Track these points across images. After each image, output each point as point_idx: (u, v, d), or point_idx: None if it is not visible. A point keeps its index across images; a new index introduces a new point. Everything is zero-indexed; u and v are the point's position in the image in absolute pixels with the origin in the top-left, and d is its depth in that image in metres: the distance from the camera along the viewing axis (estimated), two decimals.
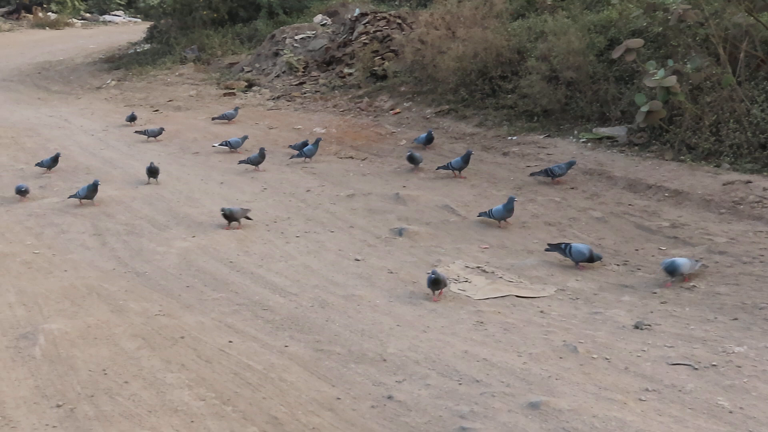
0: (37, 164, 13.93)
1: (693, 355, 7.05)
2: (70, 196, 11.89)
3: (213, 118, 17.51)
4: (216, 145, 15.17)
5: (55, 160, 13.81)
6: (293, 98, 19.53)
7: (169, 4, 28.55)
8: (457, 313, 8.26)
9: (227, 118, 17.35)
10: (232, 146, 15.01)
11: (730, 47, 12.86)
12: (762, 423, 6.00)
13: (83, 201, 11.85)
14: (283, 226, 10.94)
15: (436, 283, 8.45)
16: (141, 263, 9.74)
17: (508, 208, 10.58)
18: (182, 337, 7.74)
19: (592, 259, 9.26)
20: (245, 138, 15.24)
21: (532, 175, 12.47)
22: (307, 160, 14.03)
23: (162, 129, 16.22)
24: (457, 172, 12.84)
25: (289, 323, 8.07)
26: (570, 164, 12.27)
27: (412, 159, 13.24)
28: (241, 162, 13.85)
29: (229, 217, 10.73)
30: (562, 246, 9.42)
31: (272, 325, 8.04)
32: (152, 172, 13.01)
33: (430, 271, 8.62)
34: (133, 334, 7.79)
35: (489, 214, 10.72)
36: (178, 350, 7.48)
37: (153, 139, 16.04)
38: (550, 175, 12.18)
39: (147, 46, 28.57)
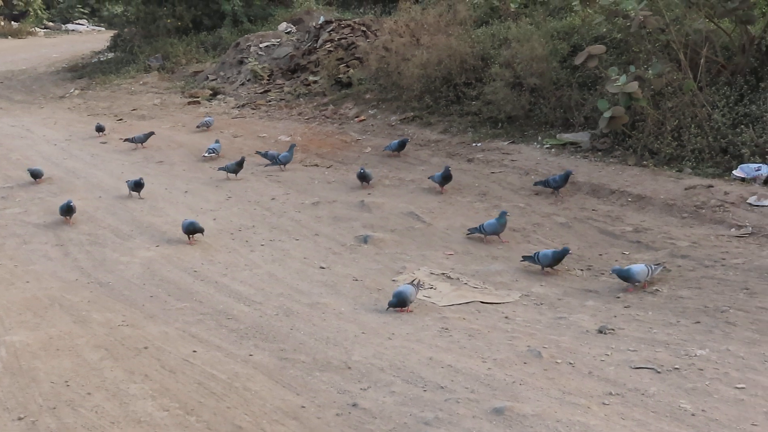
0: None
1: (656, 359, 7.09)
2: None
3: (198, 126, 17.48)
4: (206, 154, 15.12)
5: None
6: (258, 106, 19.46)
7: (133, 13, 28.37)
8: (422, 319, 8.26)
9: (206, 125, 17.30)
10: (217, 152, 15.17)
11: (690, 53, 12.98)
12: (724, 425, 6.04)
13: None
14: (248, 235, 10.90)
15: (401, 302, 8.39)
16: (104, 273, 9.67)
17: (501, 223, 10.25)
18: (146, 348, 7.68)
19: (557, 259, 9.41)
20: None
21: (535, 184, 12.18)
22: (283, 167, 13.96)
23: (151, 133, 16.17)
24: (438, 186, 12.55)
25: (254, 332, 8.04)
26: (567, 174, 11.93)
27: (363, 177, 12.80)
28: (220, 169, 13.80)
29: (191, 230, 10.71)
30: (532, 255, 9.54)
31: (237, 334, 8.00)
32: (138, 185, 12.68)
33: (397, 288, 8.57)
34: (96, 344, 7.72)
35: (480, 229, 10.32)
36: (141, 361, 7.42)
37: (140, 145, 15.97)
38: (548, 186, 11.91)
39: (111, 55, 28.34)
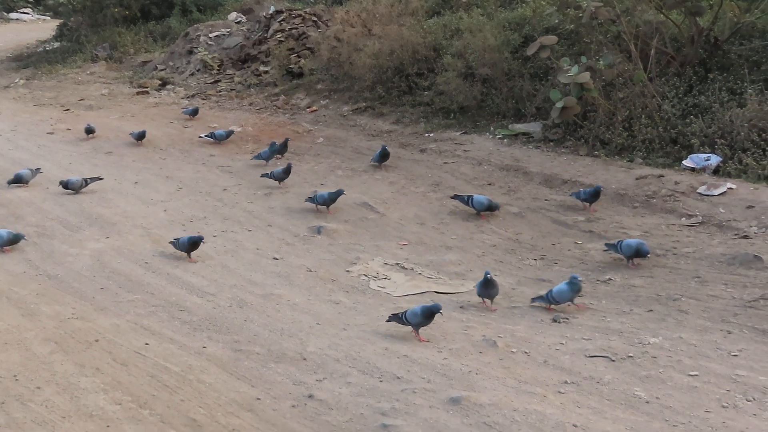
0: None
1: (610, 347, 7.13)
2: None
3: (183, 111, 17.48)
4: (202, 136, 15.18)
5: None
6: (208, 96, 19.27)
7: (79, 2, 27.86)
8: (376, 310, 8.24)
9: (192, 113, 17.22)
10: (216, 138, 15.10)
11: (641, 44, 13.08)
12: (677, 412, 6.09)
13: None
14: (200, 226, 10.77)
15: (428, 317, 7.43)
16: (53, 266, 9.50)
17: (575, 290, 8.01)
18: (97, 341, 7.55)
19: (491, 208, 10.22)
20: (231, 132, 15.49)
21: (571, 195, 11.15)
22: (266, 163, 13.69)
23: (144, 132, 15.67)
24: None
25: (207, 324, 7.96)
26: (596, 190, 10.80)
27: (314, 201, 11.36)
28: (263, 176, 12.71)
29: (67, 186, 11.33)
30: (465, 198, 10.14)
31: (190, 326, 7.91)
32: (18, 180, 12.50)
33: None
34: (46, 338, 7.57)
35: (548, 298, 8.12)
36: (92, 354, 7.30)
37: (89, 136, 15.76)
38: (578, 198, 10.94)
39: (57, 45, 27.86)
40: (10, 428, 6.13)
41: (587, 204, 10.94)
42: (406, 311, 7.57)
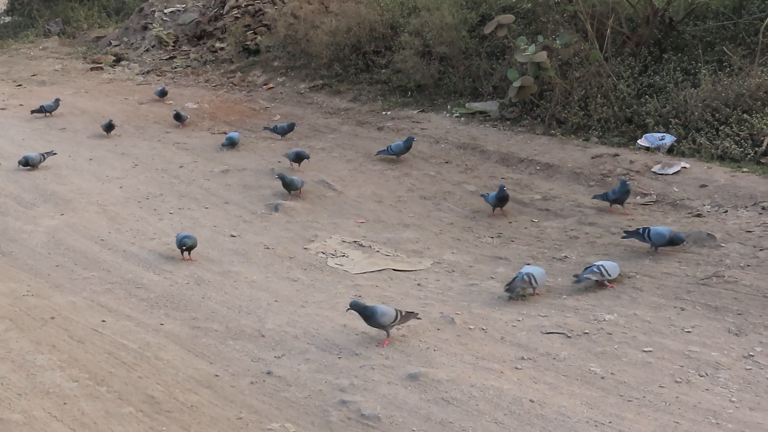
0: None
1: (566, 324, 7.22)
2: None
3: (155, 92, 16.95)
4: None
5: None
6: (164, 73, 19.09)
7: None
8: (335, 287, 8.26)
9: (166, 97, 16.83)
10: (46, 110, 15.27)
11: (597, 24, 13.15)
12: (632, 387, 6.19)
13: None
14: (156, 203, 10.71)
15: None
16: (6, 242, 9.39)
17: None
18: (52, 318, 7.50)
19: (674, 241, 8.47)
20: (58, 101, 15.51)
21: (594, 198, 10.26)
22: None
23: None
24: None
25: (165, 301, 7.93)
26: (624, 187, 9.92)
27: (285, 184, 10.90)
28: (266, 128, 13.87)
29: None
30: (640, 230, 8.70)
31: (147, 303, 7.88)
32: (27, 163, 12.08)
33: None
34: (0, 315, 7.50)
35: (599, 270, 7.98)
36: (48, 331, 7.25)
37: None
38: (606, 199, 10.04)
39: (8, 19, 27.38)
40: None
41: (618, 206, 9.98)
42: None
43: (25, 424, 5.89)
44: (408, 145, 12.13)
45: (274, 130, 13.64)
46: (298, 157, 11.90)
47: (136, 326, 7.40)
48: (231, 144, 13.08)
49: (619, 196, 9.91)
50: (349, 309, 7.15)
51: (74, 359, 6.79)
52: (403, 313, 7.11)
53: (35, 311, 7.62)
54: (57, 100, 15.46)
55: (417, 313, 7.25)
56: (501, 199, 10.08)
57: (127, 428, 5.84)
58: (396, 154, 12.18)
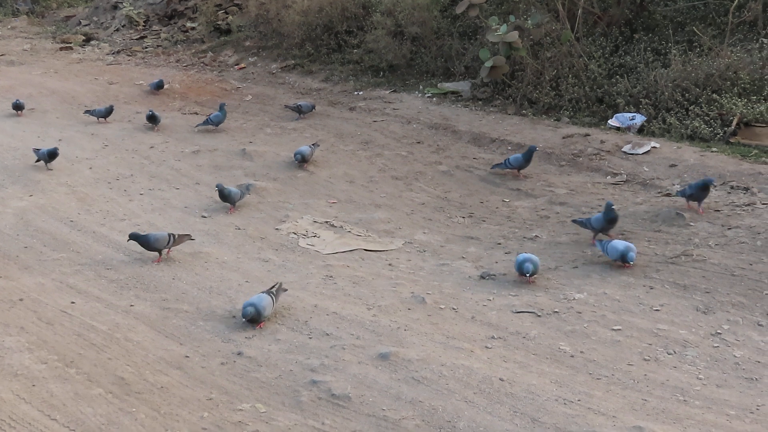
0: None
1: (536, 303, 7.26)
2: None
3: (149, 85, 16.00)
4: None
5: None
6: (134, 53, 18.93)
7: None
8: (306, 267, 8.25)
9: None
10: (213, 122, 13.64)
11: (569, 4, 13.17)
12: (601, 365, 6.24)
13: None
14: (126, 184, 10.64)
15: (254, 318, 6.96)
16: None
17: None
18: (21, 300, 7.45)
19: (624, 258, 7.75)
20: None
21: (677, 194, 9.32)
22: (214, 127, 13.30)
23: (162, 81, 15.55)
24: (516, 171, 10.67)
25: (134, 282, 7.89)
26: (704, 183, 8.95)
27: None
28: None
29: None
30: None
31: (116, 285, 7.84)
32: (51, 156, 11.09)
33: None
34: None
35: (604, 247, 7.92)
36: (16, 313, 7.20)
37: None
38: (683, 195, 9.15)
39: None
40: None
41: (695, 203, 9.04)
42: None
43: None
44: (528, 158, 10.47)
45: (297, 108, 13.52)
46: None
47: (106, 308, 7.36)
48: (302, 160, 11.10)
49: (694, 192, 8.93)
50: (129, 240, 8.27)
51: (43, 341, 6.75)
52: (176, 236, 8.31)
53: (3, 293, 7.57)
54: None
55: (190, 235, 8.48)
56: (611, 221, 8.35)
57: (97, 410, 5.82)
58: (516, 168, 10.57)
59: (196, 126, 13.05)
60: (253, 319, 6.88)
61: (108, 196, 10.24)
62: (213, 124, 12.92)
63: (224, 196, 9.69)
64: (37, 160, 11.10)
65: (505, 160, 10.64)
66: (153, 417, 5.75)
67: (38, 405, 5.88)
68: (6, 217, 9.50)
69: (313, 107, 13.62)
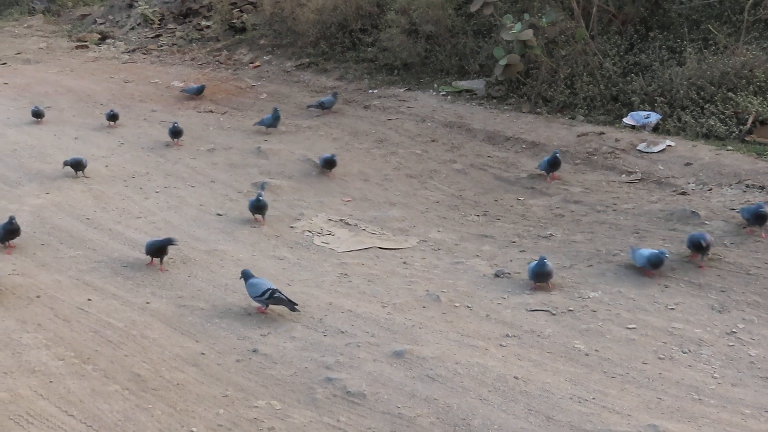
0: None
1: (551, 301, 7.26)
2: None
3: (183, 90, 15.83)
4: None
5: None
6: (149, 51, 19.00)
7: None
8: (321, 266, 8.27)
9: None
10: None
11: (583, 2, 13.15)
12: (616, 364, 6.25)
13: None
14: (142, 182, 10.68)
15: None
16: None
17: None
18: (38, 296, 7.50)
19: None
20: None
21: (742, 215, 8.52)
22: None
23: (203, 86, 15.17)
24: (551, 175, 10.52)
25: (150, 279, 7.93)
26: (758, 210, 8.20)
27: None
28: (256, 124, 13.00)
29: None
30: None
31: (133, 282, 7.88)
32: (76, 165, 10.79)
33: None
34: None
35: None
36: (34, 310, 7.25)
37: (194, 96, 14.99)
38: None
39: None
40: None
41: (756, 228, 8.32)
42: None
43: (11, 402, 5.90)
44: (552, 162, 10.36)
45: (320, 105, 13.58)
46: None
47: (122, 305, 7.41)
48: (328, 165, 10.89)
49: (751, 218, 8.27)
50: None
51: (60, 338, 6.79)
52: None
53: (21, 290, 7.61)
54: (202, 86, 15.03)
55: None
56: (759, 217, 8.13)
57: (113, 406, 5.86)
58: (543, 169, 10.52)
59: (254, 124, 13.07)
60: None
61: (124, 194, 10.28)
62: (264, 125, 12.84)
63: (260, 207, 9.36)
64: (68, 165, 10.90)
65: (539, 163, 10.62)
66: (169, 413, 5.79)
67: (55, 401, 5.93)
68: (23, 214, 9.55)
69: (334, 98, 13.67)
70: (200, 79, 16.19)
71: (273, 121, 12.74)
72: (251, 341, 6.74)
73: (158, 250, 8.18)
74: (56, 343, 6.71)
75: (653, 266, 7.58)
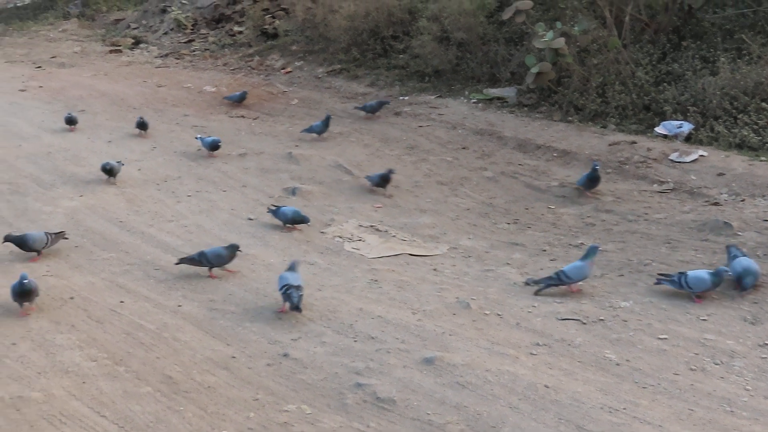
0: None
1: (581, 311, 7.24)
2: None
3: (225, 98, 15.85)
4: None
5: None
6: (182, 56, 19.14)
7: None
8: (351, 271, 8.29)
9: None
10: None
11: (615, 10, 13.10)
12: (647, 374, 6.21)
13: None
14: (174, 186, 10.76)
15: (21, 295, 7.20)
16: (26, 223, 9.46)
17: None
18: (72, 298, 7.58)
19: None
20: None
21: None
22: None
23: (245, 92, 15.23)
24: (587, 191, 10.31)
25: (182, 283, 7.99)
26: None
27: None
28: (304, 131, 12.90)
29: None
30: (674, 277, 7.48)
31: (165, 285, 7.94)
32: (108, 171, 10.82)
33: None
34: None
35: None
36: (67, 311, 7.33)
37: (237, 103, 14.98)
38: None
39: (28, 1, 27.54)
40: None
41: None
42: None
43: (44, 402, 5.97)
44: (591, 177, 10.20)
45: (363, 108, 13.68)
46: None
47: (154, 307, 7.47)
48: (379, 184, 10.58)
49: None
50: (5, 242, 8.40)
51: (93, 339, 6.86)
52: (53, 236, 8.61)
53: (55, 291, 7.70)
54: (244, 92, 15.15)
55: (64, 233, 8.84)
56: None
57: (145, 407, 5.91)
58: (585, 188, 10.27)
59: (301, 131, 13.02)
60: None
61: (156, 197, 10.37)
62: (315, 132, 12.80)
63: (299, 220, 9.37)
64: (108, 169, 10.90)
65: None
66: (200, 416, 5.83)
67: (88, 402, 5.99)
68: (57, 217, 9.66)
69: (378, 105, 13.74)
70: (232, 84, 16.31)
71: (323, 128, 12.74)
72: (282, 345, 6.77)
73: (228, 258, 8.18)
74: (89, 344, 6.78)
75: (715, 286, 7.34)
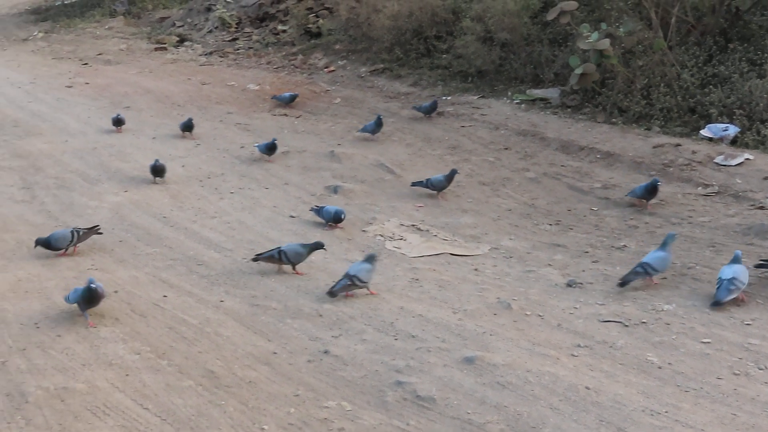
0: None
1: (623, 313, 7.19)
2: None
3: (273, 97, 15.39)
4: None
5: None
6: (226, 54, 19.27)
7: None
8: (392, 270, 8.31)
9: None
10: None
11: (661, 12, 13.00)
12: (689, 378, 6.16)
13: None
14: (217, 182, 10.85)
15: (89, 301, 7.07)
16: (72, 217, 9.60)
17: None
18: (116, 292, 7.67)
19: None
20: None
21: None
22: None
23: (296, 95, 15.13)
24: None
25: (225, 278, 8.05)
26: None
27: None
28: (360, 131, 12.95)
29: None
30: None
31: (207, 281, 8.01)
32: (157, 171, 10.84)
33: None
34: (65, 287, 7.67)
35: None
36: (111, 304, 7.40)
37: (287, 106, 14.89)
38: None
39: None
40: (32, 374, 6.26)
41: None
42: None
43: (88, 393, 6.04)
44: (648, 188, 9.79)
45: (419, 109, 13.70)
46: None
47: (197, 302, 7.53)
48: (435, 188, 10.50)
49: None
50: (36, 246, 8.41)
51: (136, 332, 6.94)
52: (81, 232, 8.59)
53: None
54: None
55: (98, 227, 8.80)
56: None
57: (187, 401, 5.97)
58: (639, 196, 9.90)
59: (357, 132, 13.03)
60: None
61: (199, 193, 10.46)
62: (369, 132, 12.83)
63: (339, 218, 9.38)
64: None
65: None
66: (241, 411, 5.87)
67: (131, 394, 6.05)
68: (102, 211, 9.78)
69: (433, 106, 13.72)
70: (275, 82, 16.38)
71: (375, 128, 12.76)
72: (323, 342, 6.80)
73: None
74: (133, 337, 6.86)
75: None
